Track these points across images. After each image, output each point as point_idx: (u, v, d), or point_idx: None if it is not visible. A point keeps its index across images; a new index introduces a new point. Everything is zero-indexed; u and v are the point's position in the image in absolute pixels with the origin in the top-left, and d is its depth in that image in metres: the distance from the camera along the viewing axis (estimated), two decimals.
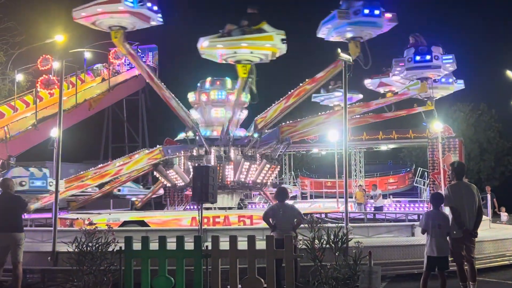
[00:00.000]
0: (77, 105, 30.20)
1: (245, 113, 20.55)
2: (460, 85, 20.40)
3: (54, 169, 12.74)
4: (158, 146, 20.25)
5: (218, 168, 18.48)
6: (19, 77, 31.04)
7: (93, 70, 36.48)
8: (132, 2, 16.06)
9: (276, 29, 16.69)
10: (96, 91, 33.29)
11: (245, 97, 19.87)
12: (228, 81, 20.39)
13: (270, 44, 16.53)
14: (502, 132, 47.01)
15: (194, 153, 19.13)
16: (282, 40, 16.64)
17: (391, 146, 39.69)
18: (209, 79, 20.50)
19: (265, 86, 18.12)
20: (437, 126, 26.81)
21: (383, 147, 40.08)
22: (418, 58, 17.55)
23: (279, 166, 20.62)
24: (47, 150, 26.62)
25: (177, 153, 19.99)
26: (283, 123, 19.92)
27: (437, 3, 58.83)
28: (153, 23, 17.02)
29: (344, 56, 12.77)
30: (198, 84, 20.76)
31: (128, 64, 38.42)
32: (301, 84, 18.82)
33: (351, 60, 13.65)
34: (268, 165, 19.10)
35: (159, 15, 17.13)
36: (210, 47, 16.68)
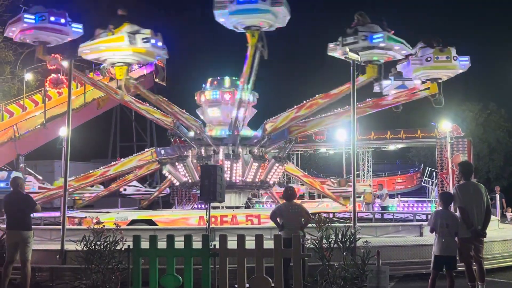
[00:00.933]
0: (85, 104, 30.28)
1: (254, 111, 20.55)
2: (465, 62, 18.46)
3: (62, 168, 12.79)
4: (151, 147, 20.36)
5: (226, 167, 18.49)
6: (28, 76, 31.22)
7: (100, 70, 36.57)
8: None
9: None
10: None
11: (253, 98, 19.90)
12: (227, 80, 20.33)
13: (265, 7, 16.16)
14: (511, 132, 46.76)
15: (202, 153, 19.13)
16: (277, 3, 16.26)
17: (399, 145, 39.55)
18: (209, 79, 20.52)
19: (280, 90, 18.08)
20: (445, 126, 26.72)
21: (391, 147, 39.96)
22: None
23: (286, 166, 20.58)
24: (55, 149, 26.83)
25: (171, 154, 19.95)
26: (267, 120, 19.84)
27: (448, 2, 58.64)
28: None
29: (352, 55, 12.73)
30: (214, 82, 20.76)
31: (137, 63, 38.48)
32: (314, 97, 18.79)
33: (359, 60, 13.60)
34: (277, 165, 19.10)
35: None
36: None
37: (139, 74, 38.07)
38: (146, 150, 20.82)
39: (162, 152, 20.10)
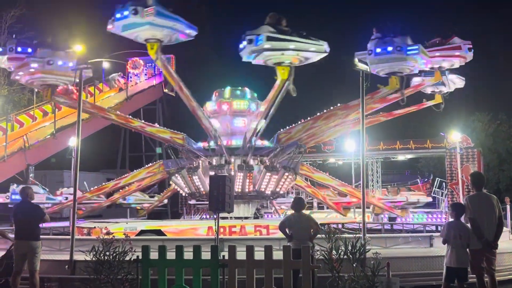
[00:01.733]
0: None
1: (262, 123, 20.64)
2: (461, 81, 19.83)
3: (72, 178, 12.83)
4: (159, 160, 20.50)
5: (237, 177, 18.50)
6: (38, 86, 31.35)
7: (108, 81, 36.81)
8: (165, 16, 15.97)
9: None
10: (114, 101, 33.57)
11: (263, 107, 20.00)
12: (227, 91, 20.43)
13: (315, 48, 16.22)
14: None
15: (214, 162, 19.15)
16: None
17: (409, 156, 39.37)
18: (228, 88, 20.55)
19: (294, 100, 18.02)
20: (455, 136, 26.60)
21: (401, 157, 39.77)
22: (378, 50, 16.27)
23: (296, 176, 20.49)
24: (65, 159, 26.91)
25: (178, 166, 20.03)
26: (280, 130, 19.88)
27: (460, 9, 58.63)
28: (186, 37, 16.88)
29: (361, 66, 12.73)
30: (216, 94, 20.78)
31: (145, 74, 38.74)
32: (332, 108, 18.78)
33: (368, 70, 13.59)
34: (286, 174, 19.06)
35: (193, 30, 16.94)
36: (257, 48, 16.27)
37: (148, 84, 38.30)
38: (154, 162, 21.18)
39: (169, 164, 20.22)
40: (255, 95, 20.68)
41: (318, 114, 19.06)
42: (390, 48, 15.34)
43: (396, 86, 16.68)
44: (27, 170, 25.48)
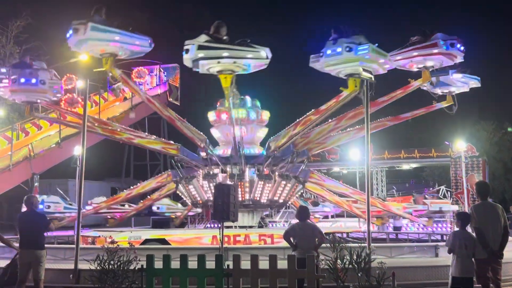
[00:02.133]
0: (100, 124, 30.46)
1: (264, 131, 20.63)
2: (475, 81, 18.82)
3: (77, 187, 12.86)
4: (167, 170, 20.59)
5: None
6: None
7: (113, 90, 36.92)
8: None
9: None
10: (119, 110, 33.64)
11: (256, 115, 20.07)
12: (248, 100, 20.49)
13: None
14: None
15: (210, 172, 19.15)
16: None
17: (413, 165, 39.40)
18: (248, 97, 20.62)
19: (285, 106, 18.01)
20: (460, 145, 26.56)
21: (405, 166, 39.79)
22: (329, 52, 15.11)
23: (300, 185, 20.36)
24: (70, 168, 26.96)
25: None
26: (270, 138, 19.81)
27: (465, 17, 58.74)
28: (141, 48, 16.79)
29: (365, 74, 12.73)
30: (218, 103, 20.87)
31: (150, 83, 38.86)
32: (306, 114, 18.73)
33: (372, 79, 13.59)
34: (283, 183, 18.97)
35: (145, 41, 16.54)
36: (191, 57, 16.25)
37: (153, 93, 38.37)
38: (163, 172, 21.52)
39: (177, 174, 20.29)
40: (258, 103, 20.68)
41: (295, 122, 18.99)
42: (339, 49, 15.03)
43: (355, 89, 16.35)
44: (32, 179, 25.52)
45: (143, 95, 19.26)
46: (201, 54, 15.43)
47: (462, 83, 18.75)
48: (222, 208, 11.55)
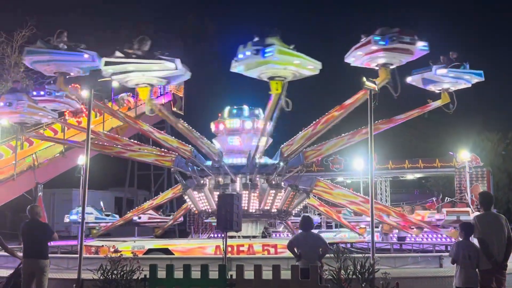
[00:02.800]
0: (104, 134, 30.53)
1: (270, 141, 20.61)
2: (477, 77, 17.84)
3: (80, 196, 12.86)
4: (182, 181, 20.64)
5: (243, 196, 18.45)
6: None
7: (117, 100, 37.05)
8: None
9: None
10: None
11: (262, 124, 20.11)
12: (246, 109, 20.50)
13: (300, 61, 15.96)
14: None
15: (220, 181, 19.15)
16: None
17: (418, 175, 39.32)
18: (227, 108, 20.67)
19: (289, 115, 17.91)
20: (464, 155, 26.50)
21: (409, 176, 39.71)
22: (240, 56, 15.60)
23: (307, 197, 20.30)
24: (74, 178, 27.01)
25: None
26: (307, 148, 19.71)
27: (467, 26, 58.98)
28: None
29: (369, 84, 12.74)
30: (233, 111, 20.90)
31: (154, 92, 38.97)
32: (329, 111, 18.63)
33: (376, 89, 13.58)
34: (292, 193, 18.97)
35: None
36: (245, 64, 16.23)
37: (157, 103, 38.48)
38: (178, 184, 21.86)
39: (189, 184, 20.39)
40: (257, 112, 20.59)
41: (316, 120, 18.92)
42: (248, 53, 15.28)
43: (387, 79, 16.42)
44: (36, 188, 25.58)
45: (175, 122, 19.71)
46: (109, 69, 16.22)
47: (454, 79, 17.84)
48: (226, 218, 11.55)
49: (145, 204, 24.86)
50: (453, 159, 34.09)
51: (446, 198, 36.00)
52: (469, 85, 18.13)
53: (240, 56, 15.50)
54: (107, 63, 15.99)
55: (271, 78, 16.01)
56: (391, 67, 16.73)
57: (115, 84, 35.49)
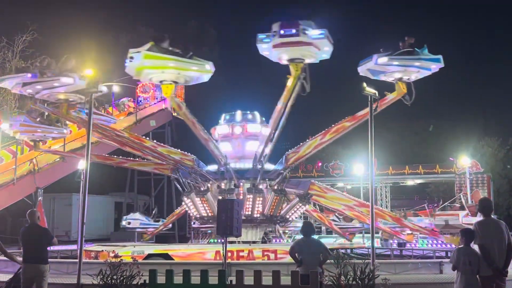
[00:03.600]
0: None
1: (253, 144, 20.61)
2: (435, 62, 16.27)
3: (80, 201, 12.86)
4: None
5: (247, 201, 18.46)
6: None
7: (118, 105, 37.07)
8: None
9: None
10: (123, 124, 33.71)
11: (252, 128, 20.21)
12: (238, 114, 20.61)
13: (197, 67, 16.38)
14: None
15: (223, 186, 19.13)
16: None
17: (418, 181, 39.32)
18: (239, 112, 20.66)
19: (296, 122, 17.93)
20: (464, 161, 26.49)
21: (410, 182, 39.71)
22: (282, 32, 15.39)
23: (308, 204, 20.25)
24: (74, 182, 27.00)
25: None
26: (289, 151, 19.62)
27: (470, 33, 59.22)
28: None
29: (369, 90, 12.75)
30: (226, 117, 20.85)
31: (155, 97, 39.05)
32: (340, 121, 18.37)
33: (376, 95, 13.59)
34: (276, 198, 18.92)
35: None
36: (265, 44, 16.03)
37: (158, 108, 38.54)
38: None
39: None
40: (250, 116, 20.66)
41: (326, 129, 18.77)
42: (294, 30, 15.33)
43: (403, 93, 16.36)
44: (36, 193, 25.57)
45: (191, 121, 18.95)
46: (146, 63, 15.80)
47: (401, 66, 16.46)
48: (226, 223, 11.53)
49: (177, 210, 25.75)
50: (453, 165, 34.09)
51: (441, 203, 36.06)
52: (429, 73, 16.72)
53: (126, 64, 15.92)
54: (147, 56, 15.72)
55: (291, 60, 16.20)
56: (408, 80, 16.69)
57: (115, 88, 35.61)
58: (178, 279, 8.43)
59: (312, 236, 10.75)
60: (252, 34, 16.33)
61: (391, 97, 17.18)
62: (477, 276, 8.86)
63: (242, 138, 20.10)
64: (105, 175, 38.05)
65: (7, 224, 34.75)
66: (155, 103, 39.19)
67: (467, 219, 25.71)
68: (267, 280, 8.18)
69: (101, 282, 9.16)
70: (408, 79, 16.82)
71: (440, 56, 16.39)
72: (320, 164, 39.02)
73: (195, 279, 8.34)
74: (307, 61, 16.35)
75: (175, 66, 16.02)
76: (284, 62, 16.48)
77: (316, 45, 15.66)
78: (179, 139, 43.18)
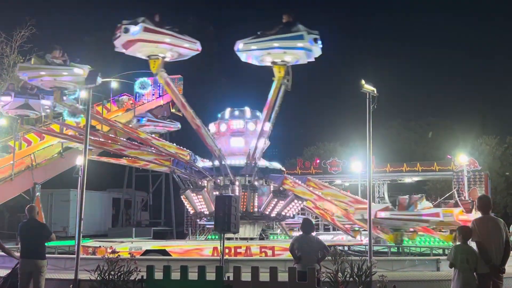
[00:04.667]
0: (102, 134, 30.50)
1: (267, 143, 20.63)
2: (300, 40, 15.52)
3: (78, 197, 12.84)
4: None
5: (242, 197, 18.51)
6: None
7: (117, 101, 36.99)
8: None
9: (308, 29, 15.64)
10: (121, 120, 33.66)
11: (235, 124, 20.22)
12: (247, 111, 20.60)
13: (301, 43, 15.45)
14: None
15: (219, 182, 19.17)
16: (315, 40, 15.45)
17: (416, 178, 39.34)
18: (228, 109, 20.72)
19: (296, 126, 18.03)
20: (462, 159, 26.50)
21: (407, 180, 39.73)
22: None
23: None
24: (72, 178, 26.98)
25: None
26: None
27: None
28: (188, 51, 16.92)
29: (368, 87, 12.73)
30: (219, 115, 20.98)
31: (153, 94, 38.97)
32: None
33: (375, 92, 13.58)
34: (244, 194, 19.00)
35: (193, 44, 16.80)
36: (245, 49, 16.04)
37: (156, 104, 38.47)
38: None
39: None
40: (258, 114, 20.62)
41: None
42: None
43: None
44: (33, 188, 25.53)
45: (180, 101, 18.86)
46: (144, 36, 15.59)
47: (263, 50, 16.05)
48: (223, 219, 11.53)
49: None
50: (451, 163, 34.11)
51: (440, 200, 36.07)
52: (312, 55, 16.07)
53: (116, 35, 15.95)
54: (146, 29, 15.57)
55: (274, 63, 16.12)
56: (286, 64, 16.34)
57: (113, 84, 35.54)
58: (175, 275, 8.43)
59: (311, 233, 10.78)
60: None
61: (273, 86, 16.90)
62: (474, 273, 8.89)
63: (254, 134, 20.12)
64: (103, 171, 38.02)
65: (5, 219, 34.70)
66: (154, 99, 39.13)
67: (462, 217, 25.76)
68: (264, 276, 8.19)
69: (98, 278, 9.16)
70: (283, 61, 16.28)
71: (316, 34, 15.61)
72: (318, 161, 39.04)
73: (193, 275, 8.35)
74: (291, 63, 16.37)
75: (171, 42, 15.97)
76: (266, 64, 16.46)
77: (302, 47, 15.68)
78: (177, 135, 43.22)
